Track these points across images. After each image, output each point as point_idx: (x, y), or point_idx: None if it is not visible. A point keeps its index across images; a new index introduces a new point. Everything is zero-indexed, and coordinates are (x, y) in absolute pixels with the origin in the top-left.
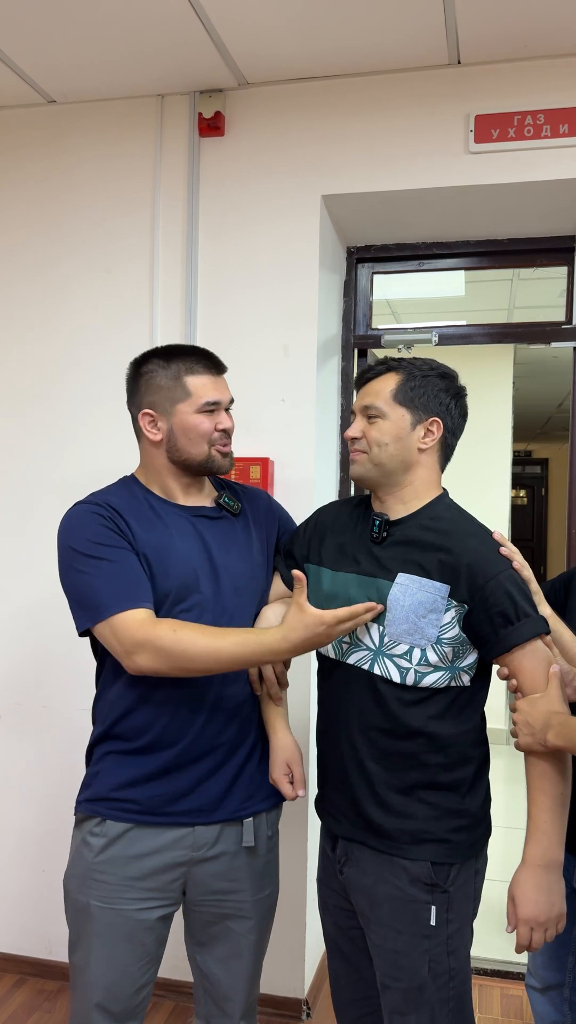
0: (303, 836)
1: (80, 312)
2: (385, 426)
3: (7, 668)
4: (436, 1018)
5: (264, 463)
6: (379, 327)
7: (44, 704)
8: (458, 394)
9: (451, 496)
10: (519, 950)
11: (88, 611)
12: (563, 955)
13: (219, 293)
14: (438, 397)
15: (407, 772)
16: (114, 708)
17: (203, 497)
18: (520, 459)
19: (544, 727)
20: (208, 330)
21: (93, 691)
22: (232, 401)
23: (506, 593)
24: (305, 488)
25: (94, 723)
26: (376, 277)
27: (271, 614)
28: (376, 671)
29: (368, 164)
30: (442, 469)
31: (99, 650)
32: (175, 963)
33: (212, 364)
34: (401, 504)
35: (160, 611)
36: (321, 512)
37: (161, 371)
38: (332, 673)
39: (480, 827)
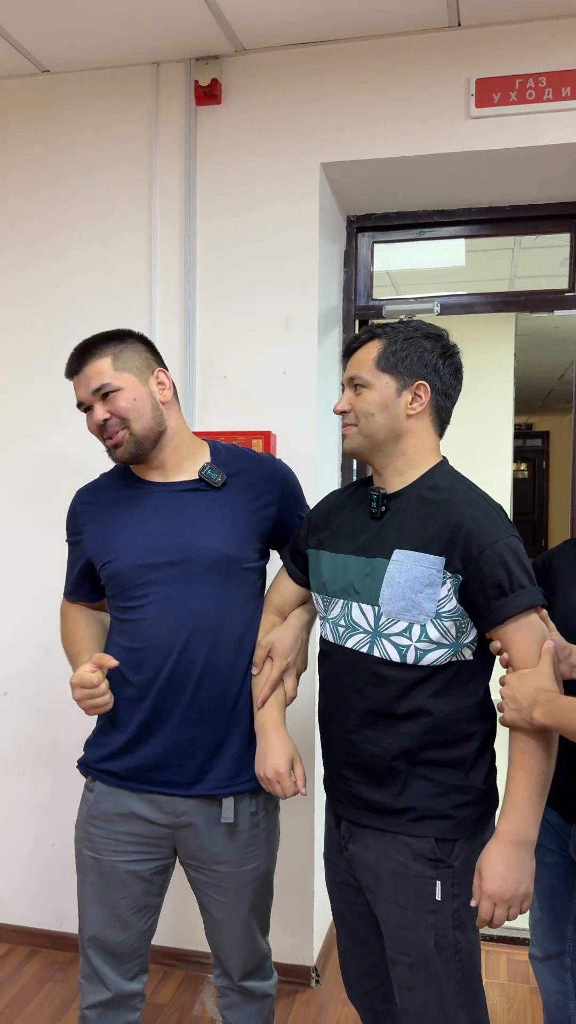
0: (311, 811)
1: (77, 286)
2: (370, 395)
3: (14, 644)
4: (443, 992)
5: (266, 436)
6: (380, 298)
7: (50, 681)
8: (446, 353)
9: (453, 466)
10: (480, 924)
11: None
12: (563, 925)
13: (218, 264)
14: (422, 359)
15: (407, 751)
16: (109, 677)
17: (180, 471)
18: (521, 432)
19: (531, 704)
20: (207, 302)
21: None
22: (99, 388)
23: (502, 563)
24: (308, 461)
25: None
26: (376, 247)
27: (288, 633)
28: (375, 653)
29: (367, 131)
30: (440, 434)
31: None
32: (185, 933)
33: (70, 365)
34: (398, 475)
35: (125, 591)
36: (325, 499)
37: None
38: (332, 657)
39: (485, 801)
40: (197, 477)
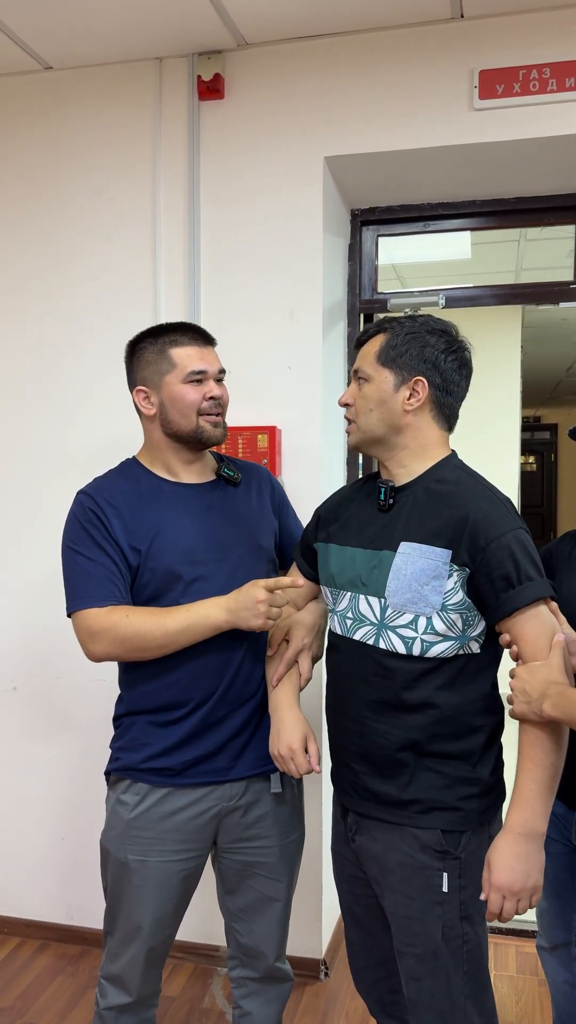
0: (319, 802)
1: (82, 282)
2: (368, 390)
3: (20, 640)
4: (451, 983)
5: (271, 432)
6: (385, 291)
7: (58, 675)
8: (451, 349)
9: (462, 460)
10: (490, 918)
11: (67, 600)
12: (569, 914)
13: (222, 259)
14: (423, 354)
15: (414, 743)
16: (138, 678)
17: (206, 471)
18: (529, 425)
19: (541, 696)
20: (212, 297)
21: (106, 661)
22: (223, 371)
23: (509, 555)
24: (313, 456)
25: (121, 689)
26: (381, 241)
27: (306, 617)
28: (381, 645)
29: (371, 124)
30: (448, 429)
31: None
32: (196, 926)
33: (198, 335)
34: (402, 468)
35: (170, 592)
36: (335, 494)
37: (150, 347)
38: (340, 649)
39: (492, 794)
40: (215, 477)
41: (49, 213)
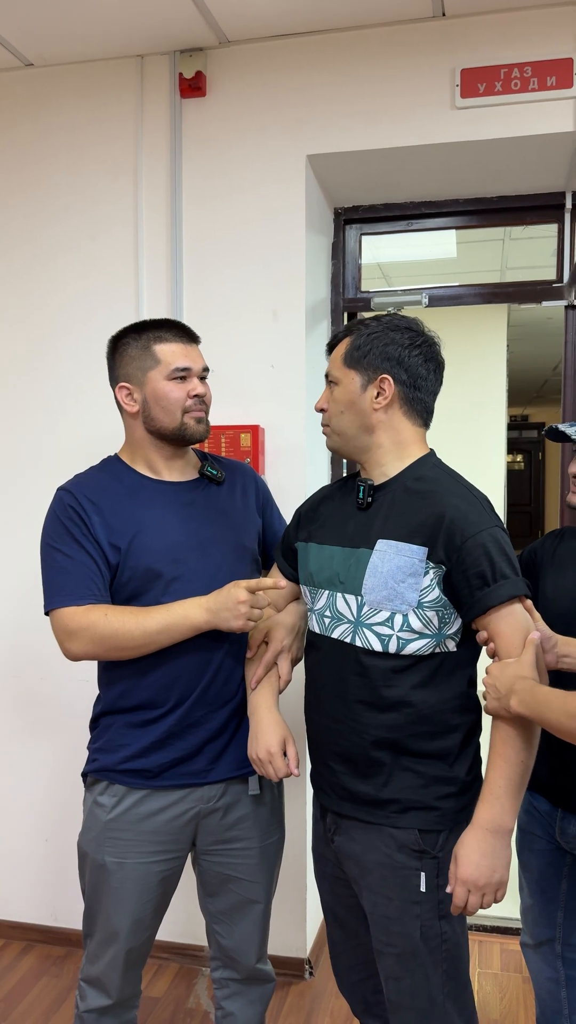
0: (303, 803)
1: (64, 279)
2: (338, 392)
3: (3, 641)
4: (430, 982)
5: (254, 431)
6: (368, 290)
7: (42, 676)
8: (415, 343)
9: (441, 459)
10: (455, 911)
11: (45, 598)
12: (553, 911)
13: (205, 257)
14: (386, 352)
15: (391, 742)
16: (117, 676)
17: (188, 469)
18: (517, 424)
19: (509, 692)
20: (194, 295)
21: (90, 662)
22: (207, 369)
23: (485, 553)
24: (297, 455)
25: (99, 688)
26: (366, 239)
27: (286, 618)
28: (358, 643)
29: (353, 122)
30: (423, 425)
31: None
32: (180, 927)
33: (183, 332)
34: (379, 468)
35: (151, 591)
36: (315, 494)
37: (133, 343)
38: (318, 648)
39: (468, 793)
40: (198, 475)
41: (30, 211)
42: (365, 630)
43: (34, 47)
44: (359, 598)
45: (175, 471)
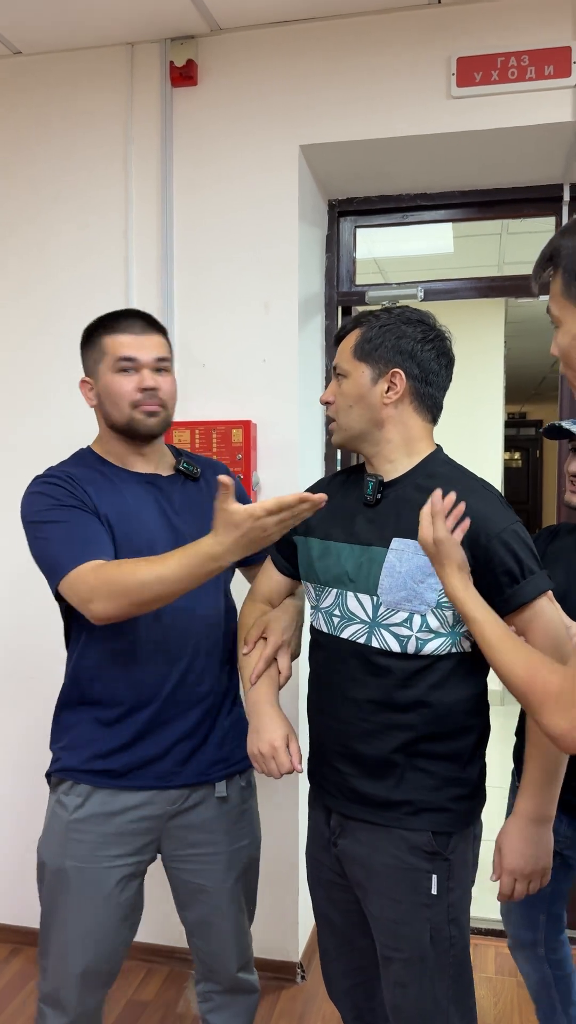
0: (295, 805)
1: (53, 270)
2: (347, 386)
3: None
4: (436, 987)
5: (246, 426)
6: (363, 284)
7: (30, 676)
8: (427, 338)
9: (462, 465)
10: (502, 899)
11: (50, 574)
12: (535, 914)
13: (196, 249)
14: (398, 346)
15: (406, 743)
16: (84, 673)
17: (162, 464)
18: (514, 421)
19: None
20: (185, 288)
21: (59, 656)
22: (163, 359)
23: (510, 550)
24: (290, 451)
25: (64, 684)
26: (362, 234)
27: (283, 614)
28: (374, 644)
29: (347, 112)
30: (432, 421)
31: (66, 615)
32: (169, 929)
33: (137, 321)
34: (389, 464)
35: None
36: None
37: (92, 336)
38: (325, 648)
39: (477, 796)
40: (174, 471)
41: (19, 201)
42: (382, 631)
43: (22, 35)
44: (375, 598)
45: (149, 465)
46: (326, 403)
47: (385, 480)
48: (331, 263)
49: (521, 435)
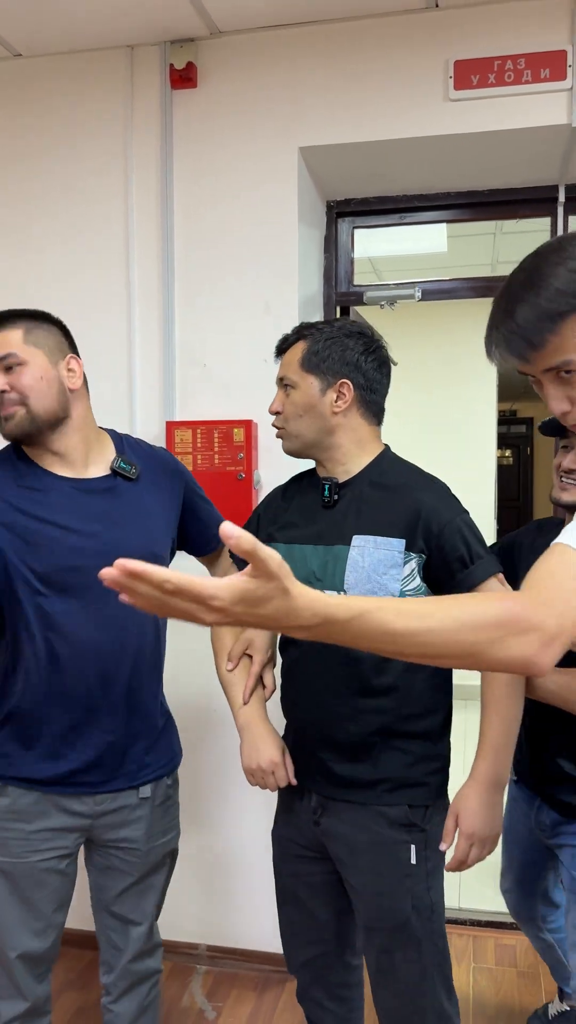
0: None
1: (54, 272)
2: (296, 396)
3: None
4: (421, 953)
5: (247, 425)
6: (361, 284)
7: None
8: (369, 350)
9: (431, 459)
10: (455, 865)
11: None
12: (532, 900)
13: (196, 250)
14: (344, 357)
15: (382, 726)
16: (5, 690)
17: (99, 463)
18: (505, 419)
19: None
20: (186, 288)
21: None
22: (4, 358)
23: (461, 538)
24: None
25: None
26: (358, 233)
27: (256, 636)
28: None
29: (346, 115)
30: (377, 423)
31: None
32: (173, 923)
33: None
34: (340, 466)
35: (43, 593)
36: (270, 495)
37: None
38: (298, 645)
39: (446, 770)
40: (110, 471)
41: (20, 201)
42: None
43: (22, 37)
44: (342, 593)
45: (72, 467)
46: (275, 413)
47: (340, 482)
48: (329, 263)
49: (512, 432)
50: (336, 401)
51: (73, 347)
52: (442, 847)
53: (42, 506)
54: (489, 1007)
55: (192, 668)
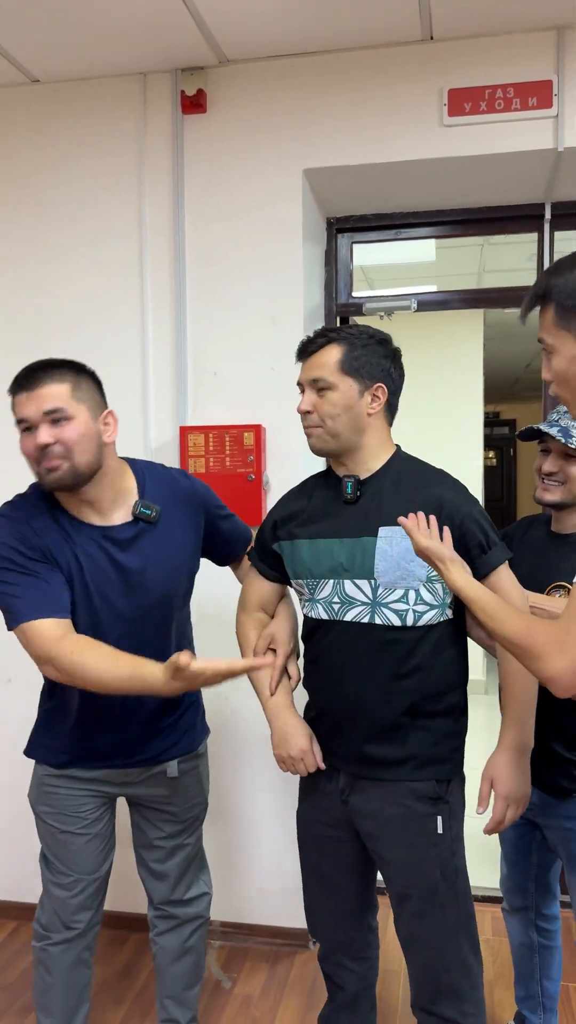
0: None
1: (70, 288)
2: (335, 397)
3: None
4: (447, 915)
5: (257, 430)
6: (359, 295)
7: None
8: (394, 357)
9: (418, 457)
10: (493, 826)
11: (6, 615)
12: (525, 882)
13: (207, 265)
14: (380, 364)
15: (410, 706)
16: (46, 681)
17: (118, 508)
18: (489, 420)
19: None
20: (197, 301)
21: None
22: (51, 412)
23: (479, 526)
24: (296, 451)
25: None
26: (355, 247)
27: (284, 624)
28: (378, 621)
29: (347, 138)
30: (391, 424)
31: None
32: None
33: (22, 380)
34: (363, 465)
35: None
36: (284, 498)
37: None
38: (327, 632)
39: (464, 746)
40: (132, 517)
41: (39, 221)
42: (383, 609)
43: (41, 64)
44: (372, 581)
45: (101, 515)
46: (306, 412)
47: (361, 478)
48: (330, 276)
49: (495, 434)
50: (371, 403)
51: (105, 400)
52: (478, 811)
53: (76, 554)
54: (488, 973)
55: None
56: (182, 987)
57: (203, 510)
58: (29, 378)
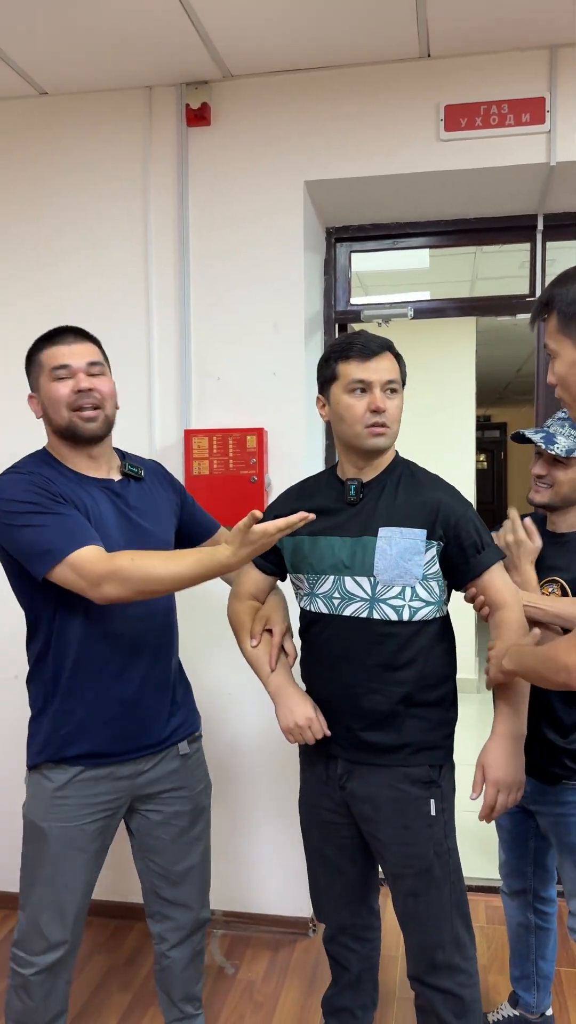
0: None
1: (78, 298)
2: (398, 402)
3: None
4: (442, 893)
5: (259, 433)
6: (357, 303)
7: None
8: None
9: (416, 462)
10: (486, 814)
11: (43, 557)
12: (523, 867)
13: (210, 274)
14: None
15: (405, 697)
16: (53, 666)
17: (112, 468)
18: (480, 424)
19: (501, 657)
20: (201, 309)
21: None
22: (95, 363)
23: (473, 528)
24: (297, 454)
25: (35, 680)
26: (353, 256)
27: (276, 607)
28: (376, 616)
29: (347, 152)
30: None
31: (32, 613)
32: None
33: (66, 334)
34: (373, 469)
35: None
36: (284, 496)
37: (32, 356)
38: (326, 625)
39: (454, 734)
40: (121, 476)
41: (47, 230)
42: (382, 605)
43: (49, 77)
44: (372, 579)
45: (100, 470)
46: (380, 411)
47: (364, 481)
48: (329, 284)
49: (486, 438)
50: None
51: None
52: (471, 797)
53: (87, 501)
54: (482, 958)
55: (209, 651)
56: (193, 984)
57: (172, 488)
58: (67, 333)
